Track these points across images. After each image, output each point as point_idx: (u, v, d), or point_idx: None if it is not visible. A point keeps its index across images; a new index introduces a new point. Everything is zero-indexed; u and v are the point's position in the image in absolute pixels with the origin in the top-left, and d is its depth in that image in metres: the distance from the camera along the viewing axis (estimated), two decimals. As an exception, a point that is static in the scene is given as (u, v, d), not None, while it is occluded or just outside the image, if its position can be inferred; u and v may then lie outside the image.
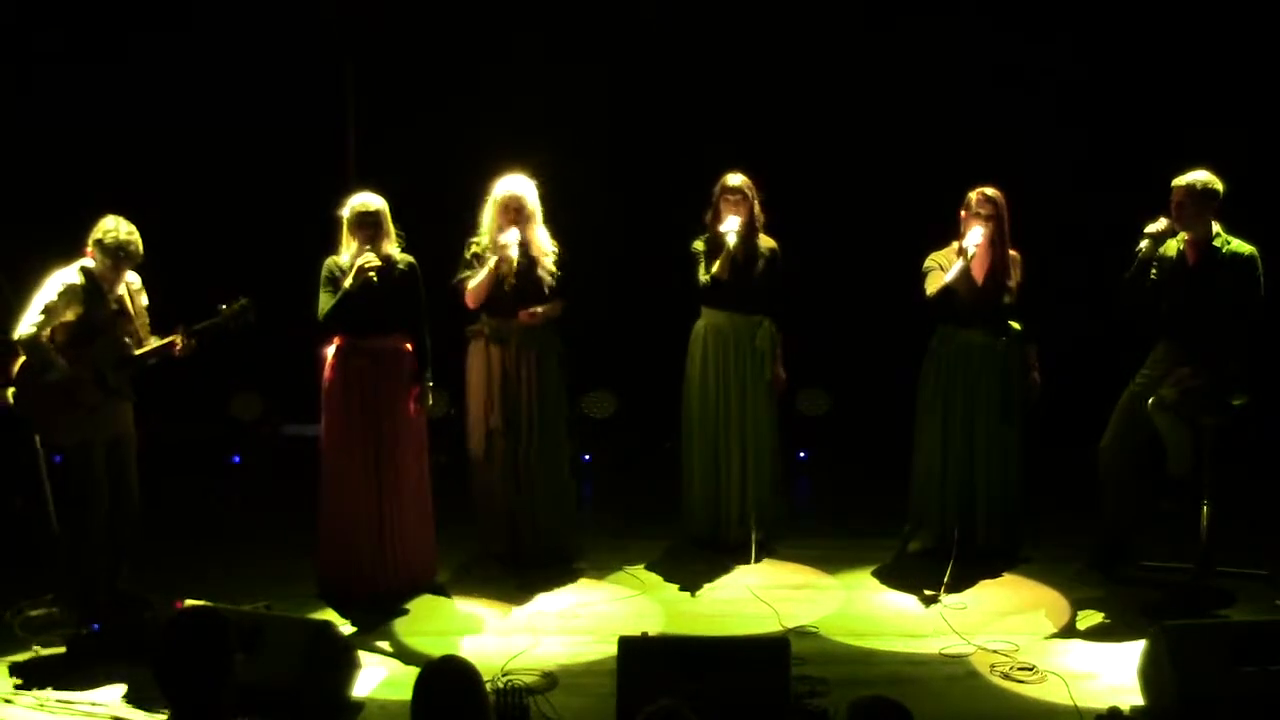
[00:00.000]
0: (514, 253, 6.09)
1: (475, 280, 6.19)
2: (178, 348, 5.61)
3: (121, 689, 5.03)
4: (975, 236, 6.09)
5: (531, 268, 6.24)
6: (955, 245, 6.22)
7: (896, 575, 6.27)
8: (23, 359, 5.42)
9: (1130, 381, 6.13)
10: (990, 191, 6.17)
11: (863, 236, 8.01)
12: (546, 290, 6.27)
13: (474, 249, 6.26)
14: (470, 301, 6.25)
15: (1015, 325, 6.30)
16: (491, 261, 6.14)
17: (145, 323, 5.73)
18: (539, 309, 6.24)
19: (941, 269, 6.22)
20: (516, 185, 6.22)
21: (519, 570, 6.25)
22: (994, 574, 6.24)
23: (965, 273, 6.12)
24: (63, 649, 5.41)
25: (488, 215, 6.24)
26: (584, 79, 8.12)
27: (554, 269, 6.29)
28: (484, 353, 6.31)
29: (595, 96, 8.15)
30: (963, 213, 6.21)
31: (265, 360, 7.99)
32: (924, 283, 6.26)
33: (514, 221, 6.15)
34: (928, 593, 5.99)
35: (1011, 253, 6.26)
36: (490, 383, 6.27)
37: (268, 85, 8.17)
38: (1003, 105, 8.07)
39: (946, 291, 6.16)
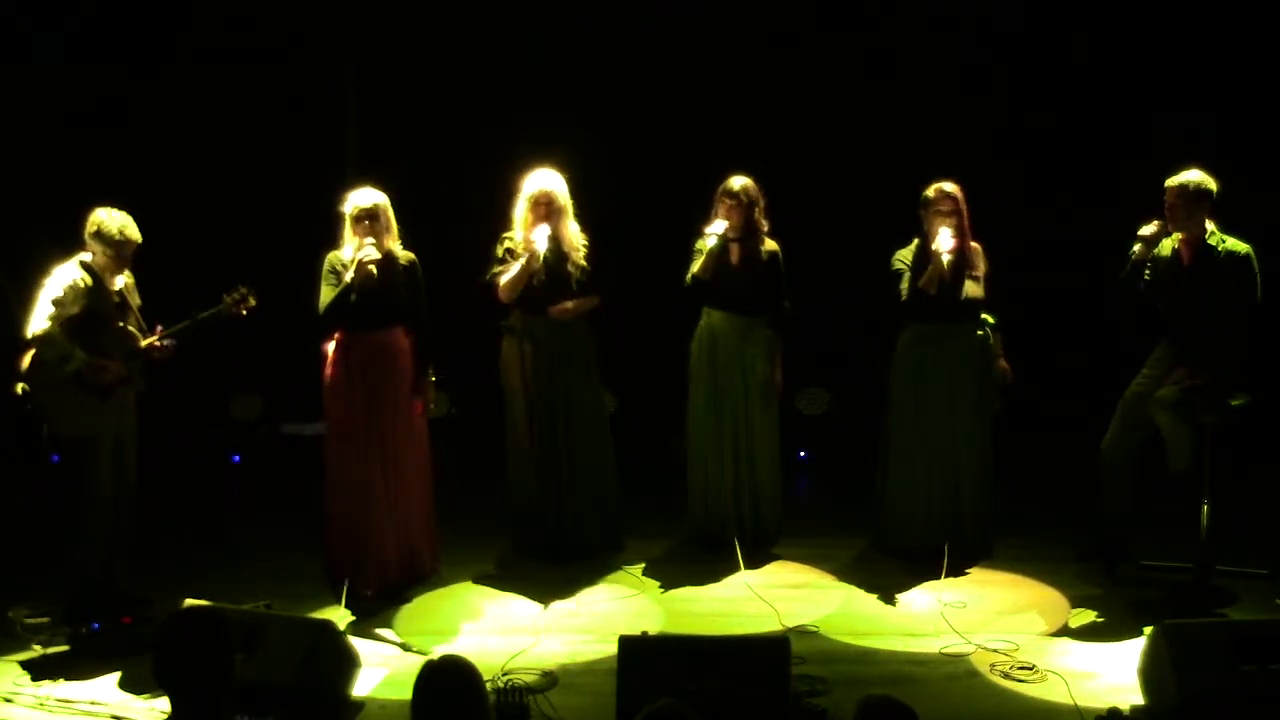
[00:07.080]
0: (541, 248, 6.09)
1: (507, 276, 6.22)
2: (156, 348, 5.64)
3: (120, 679, 5.06)
4: (946, 239, 6.10)
5: (561, 263, 6.26)
6: (915, 243, 6.27)
7: (897, 574, 6.25)
8: (32, 354, 5.42)
9: (1130, 381, 6.14)
10: (948, 187, 6.21)
11: (863, 236, 7.97)
12: (575, 285, 6.30)
13: (506, 244, 6.28)
14: (503, 296, 6.28)
15: (988, 318, 6.33)
16: (524, 257, 6.16)
17: (140, 322, 5.74)
18: (569, 304, 6.28)
19: (908, 268, 6.25)
20: (546, 180, 6.23)
21: (559, 565, 6.29)
22: (993, 572, 6.24)
23: (937, 274, 6.14)
24: (65, 648, 5.41)
25: (519, 211, 6.25)
26: (584, 78, 8.11)
27: (584, 263, 6.31)
28: (517, 348, 6.33)
29: (596, 95, 8.14)
30: (921, 210, 6.24)
31: (265, 360, 7.99)
32: (896, 285, 6.28)
33: (545, 217, 6.16)
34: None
35: (973, 244, 6.29)
36: (525, 377, 6.28)
37: (268, 84, 8.16)
38: (1001, 105, 8.07)
39: (918, 293, 6.20)
